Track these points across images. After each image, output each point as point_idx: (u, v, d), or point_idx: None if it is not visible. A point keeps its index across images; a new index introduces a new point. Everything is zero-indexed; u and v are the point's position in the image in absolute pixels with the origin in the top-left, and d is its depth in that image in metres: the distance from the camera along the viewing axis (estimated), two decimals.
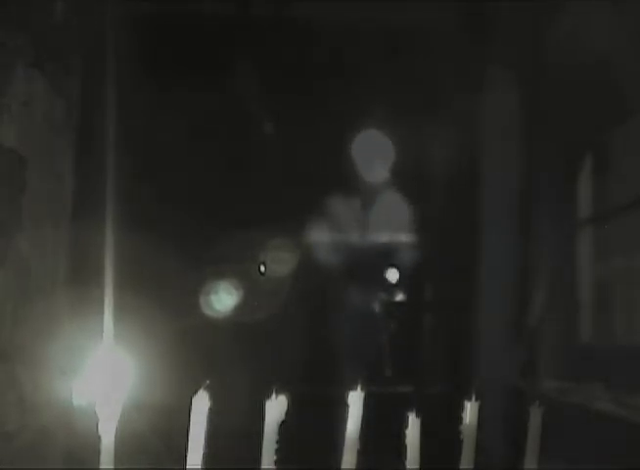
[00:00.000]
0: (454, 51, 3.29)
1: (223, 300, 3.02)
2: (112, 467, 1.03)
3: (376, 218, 3.72)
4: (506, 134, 3.48)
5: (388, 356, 3.55)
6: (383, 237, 3.72)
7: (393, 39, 3.27)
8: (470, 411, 1.17)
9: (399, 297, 3.73)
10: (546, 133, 3.41)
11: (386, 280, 3.67)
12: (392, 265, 3.68)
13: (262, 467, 1.09)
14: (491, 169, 3.50)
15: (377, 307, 3.65)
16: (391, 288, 3.69)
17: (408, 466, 1.13)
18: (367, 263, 3.61)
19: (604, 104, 3.00)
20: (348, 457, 1.11)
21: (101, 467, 1.03)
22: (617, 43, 2.70)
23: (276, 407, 1.10)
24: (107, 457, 1.02)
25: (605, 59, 2.76)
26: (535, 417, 1.19)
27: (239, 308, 3.04)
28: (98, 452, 1.03)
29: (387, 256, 3.66)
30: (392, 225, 3.72)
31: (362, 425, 1.10)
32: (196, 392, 1.05)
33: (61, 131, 1.89)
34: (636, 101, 2.78)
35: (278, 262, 3.24)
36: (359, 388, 1.11)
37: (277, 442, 1.08)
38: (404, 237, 3.72)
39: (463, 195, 3.54)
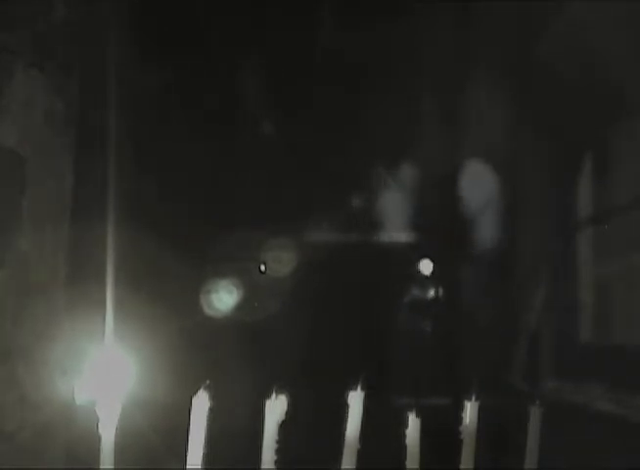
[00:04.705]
0: (447, 47, 3.29)
1: (224, 299, 3.01)
2: (112, 467, 1.03)
3: (376, 217, 3.72)
4: (505, 133, 3.48)
5: (425, 361, 3.45)
6: (382, 236, 3.72)
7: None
8: (470, 411, 1.17)
9: (435, 291, 3.56)
10: (546, 132, 3.42)
11: (414, 274, 3.53)
12: (425, 256, 3.51)
13: (262, 467, 1.09)
14: (490, 169, 3.50)
15: (406, 305, 3.53)
16: (426, 281, 3.55)
17: (408, 466, 1.13)
18: (370, 262, 3.60)
19: (604, 103, 3.00)
20: (348, 457, 1.11)
21: (101, 467, 1.03)
22: (617, 41, 2.70)
23: (276, 407, 1.10)
24: (107, 457, 1.03)
25: (605, 57, 2.76)
26: (535, 417, 1.19)
27: (239, 308, 3.04)
28: (98, 452, 1.03)
29: (389, 254, 3.65)
30: (392, 225, 3.72)
31: (362, 425, 1.10)
32: (196, 392, 1.05)
33: (61, 131, 1.89)
34: (636, 100, 2.78)
35: (279, 262, 3.24)
36: (359, 388, 1.11)
37: (277, 442, 1.08)
38: (403, 237, 3.71)
39: (461, 195, 3.54)
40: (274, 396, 1.09)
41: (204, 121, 2.95)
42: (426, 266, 3.56)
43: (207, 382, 1.05)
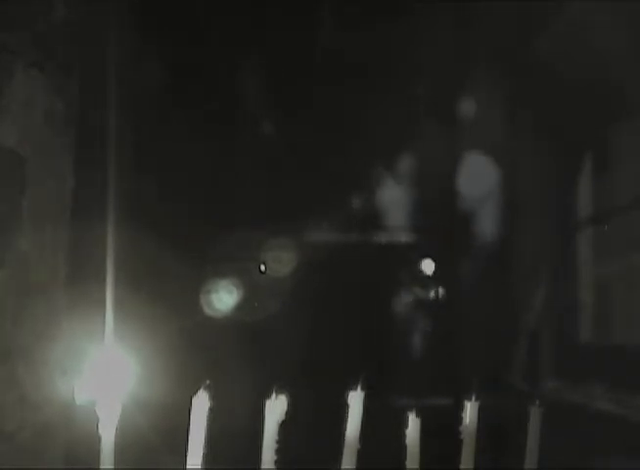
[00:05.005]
0: (447, 47, 3.29)
1: (224, 299, 3.01)
2: (112, 467, 1.03)
3: (376, 217, 3.72)
4: (505, 133, 3.48)
5: (424, 362, 3.44)
6: (382, 236, 3.72)
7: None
8: (470, 411, 1.17)
9: (435, 291, 3.54)
10: (546, 132, 3.41)
11: (415, 274, 3.52)
12: (426, 256, 3.50)
13: (262, 467, 1.09)
14: (490, 169, 3.49)
15: (407, 305, 3.52)
16: (426, 281, 3.54)
17: (408, 466, 1.13)
18: (370, 262, 3.59)
19: (604, 103, 3.00)
20: (348, 457, 1.11)
21: (101, 467, 1.03)
22: (617, 41, 2.70)
23: (276, 407, 1.10)
24: (107, 457, 1.02)
25: (605, 57, 2.76)
26: (535, 417, 1.19)
27: (239, 308, 3.04)
28: (98, 452, 1.03)
29: (389, 254, 3.65)
30: (392, 225, 3.72)
31: (362, 425, 1.10)
32: (196, 392, 1.05)
33: (61, 131, 1.89)
34: (636, 100, 2.78)
35: (279, 262, 3.24)
36: (359, 388, 1.11)
37: (277, 442, 1.08)
38: (403, 237, 3.71)
39: (461, 196, 3.53)
40: (274, 396, 1.09)
41: (204, 121, 2.95)
42: (427, 266, 3.57)
43: (207, 382, 1.05)
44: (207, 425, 1.04)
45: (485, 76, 3.47)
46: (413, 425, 1.12)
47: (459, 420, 1.16)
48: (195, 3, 2.95)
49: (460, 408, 1.16)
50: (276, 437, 1.08)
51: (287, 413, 1.11)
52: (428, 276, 3.66)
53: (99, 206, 2.10)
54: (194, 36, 2.92)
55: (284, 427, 1.09)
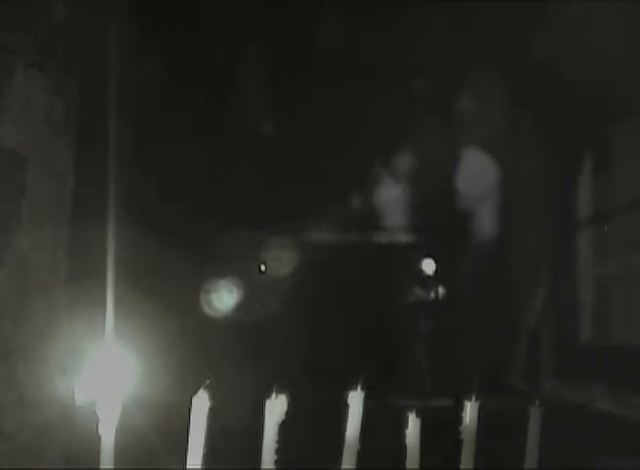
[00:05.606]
0: (445, 47, 3.30)
1: (224, 298, 3.02)
2: (111, 467, 1.03)
3: (376, 217, 3.71)
4: (505, 133, 3.48)
5: (424, 362, 3.42)
6: (382, 236, 3.71)
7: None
8: (470, 411, 1.17)
9: (436, 291, 3.52)
10: (546, 133, 3.42)
11: (417, 273, 3.51)
12: (428, 255, 3.49)
13: (262, 467, 1.09)
14: (490, 169, 3.49)
15: (407, 305, 3.51)
16: (427, 281, 3.52)
17: (408, 466, 1.13)
18: (370, 262, 3.59)
19: (604, 103, 3.00)
20: (348, 457, 1.11)
21: (101, 467, 1.03)
22: (617, 41, 2.70)
23: (276, 407, 1.10)
24: (107, 457, 1.02)
25: (605, 57, 2.76)
26: (535, 417, 1.19)
27: (240, 307, 3.04)
28: (98, 452, 1.03)
29: (389, 254, 3.65)
30: (392, 225, 3.71)
31: (362, 425, 1.10)
32: (196, 392, 1.05)
33: (61, 131, 1.89)
34: (636, 100, 2.78)
35: (279, 261, 3.24)
36: (359, 388, 1.11)
37: (277, 442, 1.08)
38: (403, 237, 3.71)
39: (461, 196, 3.53)
40: (274, 396, 1.09)
41: (204, 121, 2.95)
42: (428, 266, 3.57)
43: (207, 382, 1.04)
44: (207, 425, 1.04)
45: (485, 76, 3.47)
46: (413, 425, 1.12)
47: (459, 420, 1.16)
48: (195, 3, 2.95)
49: (460, 408, 1.16)
50: (276, 437, 1.08)
51: (287, 413, 1.11)
52: (428, 276, 3.66)
53: (99, 205, 2.10)
54: (194, 36, 2.91)
55: (284, 427, 1.08)
